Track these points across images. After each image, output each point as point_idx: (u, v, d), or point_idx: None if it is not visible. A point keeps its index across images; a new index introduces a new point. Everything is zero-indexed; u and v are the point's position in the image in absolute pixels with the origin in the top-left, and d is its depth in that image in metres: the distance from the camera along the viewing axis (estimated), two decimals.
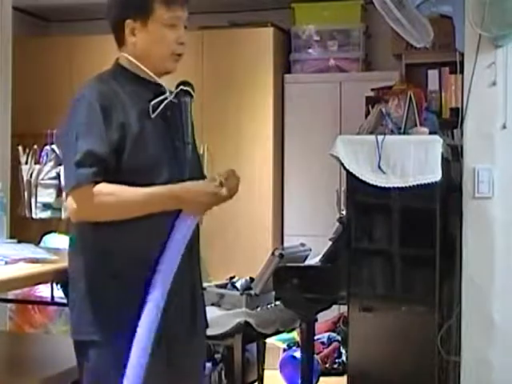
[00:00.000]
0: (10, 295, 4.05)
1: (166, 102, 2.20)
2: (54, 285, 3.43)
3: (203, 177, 2.38)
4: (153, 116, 2.18)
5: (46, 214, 5.75)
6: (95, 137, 2.10)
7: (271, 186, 5.58)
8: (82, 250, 2.20)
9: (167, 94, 2.23)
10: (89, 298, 2.17)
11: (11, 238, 3.17)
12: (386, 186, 3.64)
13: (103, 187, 2.09)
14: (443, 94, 4.92)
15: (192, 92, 2.24)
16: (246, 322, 3.77)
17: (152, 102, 2.18)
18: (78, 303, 2.20)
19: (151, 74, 2.22)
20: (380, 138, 3.65)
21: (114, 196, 2.10)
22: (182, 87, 2.23)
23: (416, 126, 3.78)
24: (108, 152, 2.10)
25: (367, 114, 4.03)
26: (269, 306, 4.03)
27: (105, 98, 2.14)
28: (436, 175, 3.57)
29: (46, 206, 5.75)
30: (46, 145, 5.82)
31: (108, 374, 2.16)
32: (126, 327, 2.12)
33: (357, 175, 3.68)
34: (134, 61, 2.23)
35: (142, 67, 2.22)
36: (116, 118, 2.13)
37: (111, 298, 2.16)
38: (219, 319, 3.65)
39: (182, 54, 2.25)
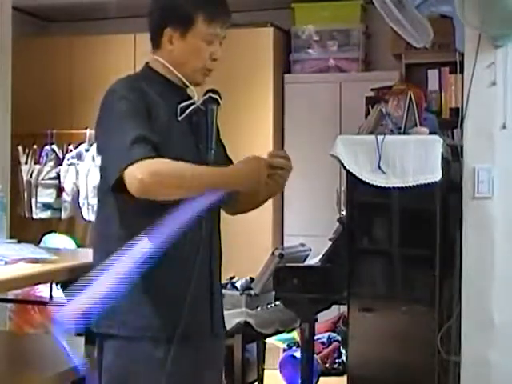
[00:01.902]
0: (10, 295, 4.05)
1: (193, 106, 2.23)
2: (54, 285, 3.43)
3: None
4: (180, 118, 2.20)
5: (46, 214, 5.76)
6: (138, 123, 2.11)
7: None
8: (105, 242, 2.22)
9: (195, 99, 2.25)
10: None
11: (11, 238, 3.17)
12: (386, 185, 3.64)
13: (162, 159, 2.08)
14: (443, 94, 4.92)
15: (219, 100, 2.26)
16: (246, 322, 3.77)
17: (180, 105, 2.20)
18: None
19: (183, 78, 2.25)
20: (380, 138, 3.65)
21: (174, 167, 2.09)
22: (210, 94, 2.25)
23: (416, 126, 3.78)
24: (152, 136, 2.11)
25: (367, 113, 4.03)
26: (269, 306, 4.03)
27: (135, 92, 2.16)
28: (436, 175, 3.57)
29: (46, 206, 5.77)
30: (45, 145, 5.83)
31: (125, 368, 2.18)
32: (144, 322, 2.15)
33: (357, 175, 3.68)
34: (168, 66, 2.25)
35: (176, 72, 2.25)
36: (146, 109, 2.15)
37: (131, 295, 2.16)
38: None
39: (212, 69, 2.29)
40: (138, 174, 2.04)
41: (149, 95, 2.17)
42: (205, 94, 2.27)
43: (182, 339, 2.14)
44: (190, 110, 2.22)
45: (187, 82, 2.26)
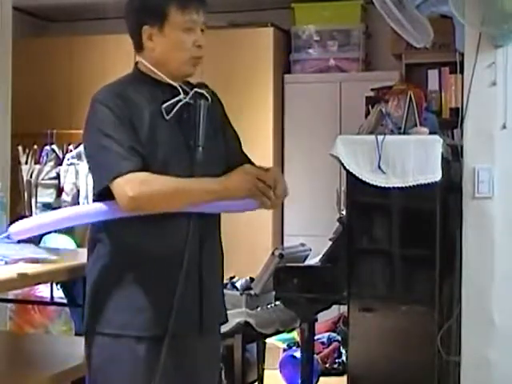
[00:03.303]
0: (10, 295, 4.05)
1: (180, 103, 2.22)
2: (54, 285, 3.43)
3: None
4: (167, 117, 2.20)
5: None
6: (124, 133, 2.14)
7: None
8: (94, 244, 2.25)
9: (181, 96, 2.24)
10: (94, 290, 2.22)
11: None
12: (386, 185, 3.64)
13: (150, 175, 2.12)
14: (443, 94, 4.93)
15: (206, 94, 2.25)
16: (246, 322, 3.77)
17: (164, 105, 2.20)
18: (87, 295, 2.25)
19: (165, 78, 2.25)
20: (380, 137, 3.65)
21: (164, 183, 2.13)
22: (196, 89, 2.25)
23: (416, 125, 3.78)
24: (138, 146, 2.14)
25: (367, 113, 4.03)
26: (269, 306, 4.03)
27: (119, 100, 2.17)
28: (436, 175, 3.57)
29: (46, 206, 5.76)
30: (45, 145, 5.83)
31: (107, 365, 2.20)
32: (127, 320, 2.17)
33: (357, 175, 3.67)
34: (149, 66, 2.25)
35: (158, 72, 2.25)
36: (129, 118, 2.16)
37: (115, 293, 2.19)
38: None
39: (201, 56, 2.27)
40: (129, 190, 2.09)
41: (133, 100, 2.18)
42: (192, 88, 2.27)
43: (166, 338, 2.13)
44: (177, 107, 2.21)
45: (169, 80, 2.24)
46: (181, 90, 2.24)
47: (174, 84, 2.25)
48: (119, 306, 2.18)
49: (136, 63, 2.32)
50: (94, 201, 2.29)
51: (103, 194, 2.16)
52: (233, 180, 2.19)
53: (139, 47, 2.27)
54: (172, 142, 2.21)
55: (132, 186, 2.09)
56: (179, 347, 2.20)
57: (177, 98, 2.22)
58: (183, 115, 2.23)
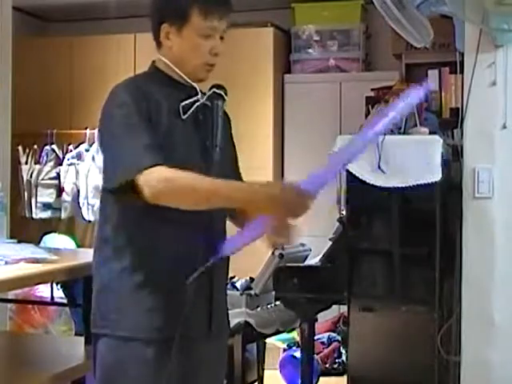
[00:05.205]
0: (10, 295, 4.05)
1: (197, 104, 2.21)
2: (54, 285, 3.43)
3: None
4: (184, 117, 2.19)
5: (46, 214, 5.77)
6: (144, 130, 2.10)
7: None
8: (103, 244, 2.22)
9: (199, 96, 2.23)
10: (103, 292, 2.20)
11: (11, 238, 3.18)
12: (386, 186, 3.64)
13: (174, 170, 2.06)
14: (443, 94, 4.92)
15: (224, 95, 2.24)
16: (246, 322, 3.77)
17: (182, 104, 2.18)
18: (95, 296, 2.23)
19: (185, 77, 2.23)
20: (380, 137, 3.65)
21: (189, 177, 2.06)
22: (214, 90, 2.24)
23: (416, 125, 3.78)
24: (154, 142, 2.10)
25: (367, 114, 4.03)
26: (269, 306, 4.03)
27: (137, 96, 2.15)
28: (436, 175, 3.57)
29: (46, 206, 5.77)
30: (46, 145, 5.84)
31: (116, 368, 2.18)
32: (136, 323, 2.15)
33: (357, 175, 3.67)
34: (169, 64, 2.24)
35: (177, 70, 2.23)
36: (148, 113, 2.13)
37: (124, 295, 2.17)
38: None
39: (214, 64, 2.26)
40: (153, 180, 2.03)
41: (151, 97, 2.16)
42: (210, 89, 2.25)
43: (175, 342, 2.11)
44: (193, 108, 2.21)
45: (189, 80, 2.24)
46: (199, 91, 2.24)
47: (193, 84, 2.24)
48: (128, 308, 2.16)
49: (153, 61, 2.30)
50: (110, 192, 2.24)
51: (121, 190, 2.10)
52: (262, 201, 2.08)
53: (158, 44, 2.27)
54: (188, 141, 2.19)
55: (157, 176, 2.03)
56: (187, 350, 2.18)
57: (194, 98, 2.21)
58: (199, 116, 2.22)
